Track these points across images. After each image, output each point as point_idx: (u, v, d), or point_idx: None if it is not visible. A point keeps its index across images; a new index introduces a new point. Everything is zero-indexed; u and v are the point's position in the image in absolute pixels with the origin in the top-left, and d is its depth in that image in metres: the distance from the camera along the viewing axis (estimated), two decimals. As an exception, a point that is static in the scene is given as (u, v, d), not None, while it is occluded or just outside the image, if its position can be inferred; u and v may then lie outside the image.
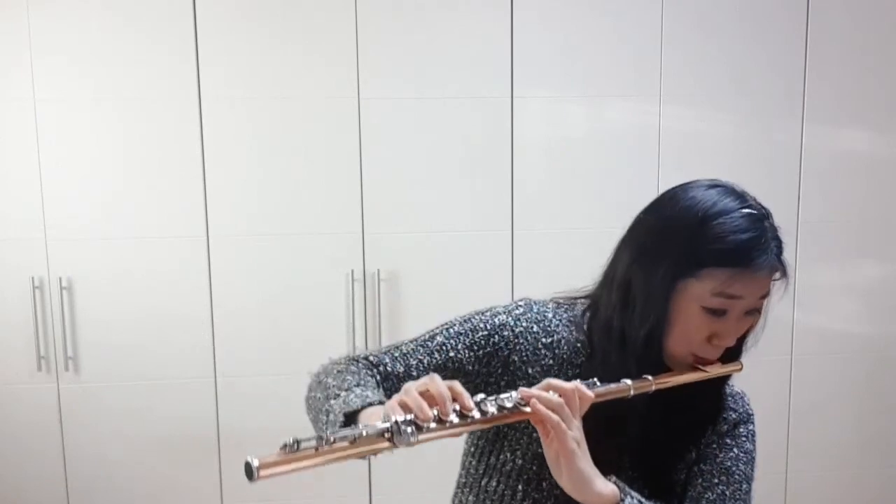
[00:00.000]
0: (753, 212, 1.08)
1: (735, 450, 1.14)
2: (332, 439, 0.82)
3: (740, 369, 1.14)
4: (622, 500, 0.96)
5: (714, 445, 1.14)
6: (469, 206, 2.57)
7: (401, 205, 2.55)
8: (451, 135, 2.54)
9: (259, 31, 2.47)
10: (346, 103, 2.50)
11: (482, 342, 1.13)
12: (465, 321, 1.16)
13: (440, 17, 2.50)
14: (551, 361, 1.14)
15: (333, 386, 1.07)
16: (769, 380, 2.75)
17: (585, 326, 1.15)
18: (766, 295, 1.07)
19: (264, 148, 2.51)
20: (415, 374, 1.09)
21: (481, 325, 1.15)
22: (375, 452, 0.86)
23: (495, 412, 0.93)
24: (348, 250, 2.55)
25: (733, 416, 1.17)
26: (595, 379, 1.02)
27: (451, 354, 1.12)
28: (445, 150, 2.55)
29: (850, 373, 2.78)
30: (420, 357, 1.11)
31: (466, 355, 1.13)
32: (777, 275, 1.08)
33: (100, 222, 2.48)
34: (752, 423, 1.19)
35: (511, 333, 1.14)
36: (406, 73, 2.51)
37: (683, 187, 1.13)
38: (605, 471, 1.00)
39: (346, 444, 0.83)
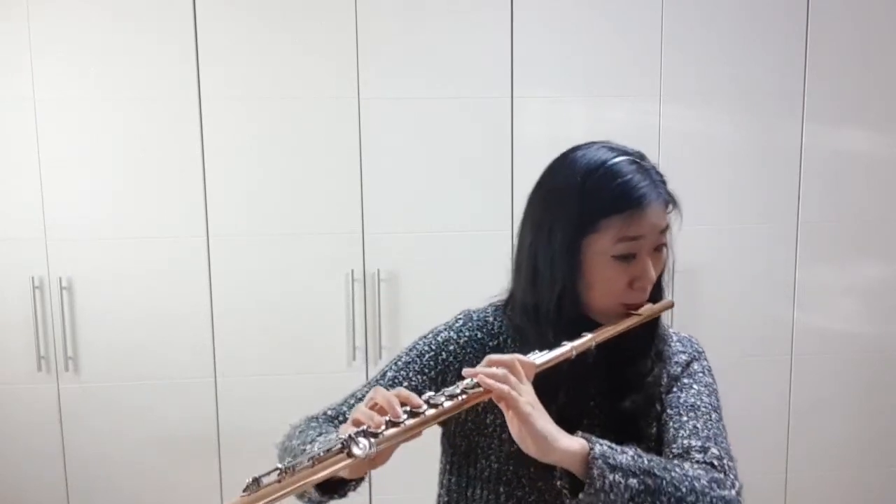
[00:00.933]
0: (627, 157, 1.11)
1: (695, 386, 1.15)
2: (292, 467, 0.84)
3: (672, 305, 1.17)
4: (591, 448, 0.95)
5: (674, 390, 1.15)
6: (469, 206, 2.57)
7: (401, 205, 2.55)
8: (451, 135, 2.54)
9: (259, 31, 2.47)
10: (346, 103, 2.50)
11: (431, 363, 1.16)
12: (410, 350, 1.20)
13: (440, 17, 2.50)
14: None
15: (298, 445, 1.09)
16: (769, 380, 2.75)
17: (507, 316, 1.19)
18: (665, 229, 1.10)
19: (264, 148, 2.51)
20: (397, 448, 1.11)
21: (426, 348, 1.18)
22: (341, 469, 0.88)
23: (445, 402, 0.95)
24: (348, 250, 2.55)
25: (683, 357, 1.19)
26: (536, 350, 1.04)
27: (405, 385, 1.14)
28: (445, 150, 2.55)
29: (850, 373, 2.78)
30: None
31: (420, 380, 1.15)
32: (670, 207, 1.11)
33: (100, 222, 2.48)
34: (705, 358, 1.21)
35: (457, 346, 1.17)
36: (406, 73, 2.51)
37: (559, 158, 1.15)
38: None
39: (306, 467, 0.85)
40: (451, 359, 1.17)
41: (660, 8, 2.55)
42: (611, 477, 0.94)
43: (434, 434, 1.18)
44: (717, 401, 1.15)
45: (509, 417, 0.97)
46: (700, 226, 2.65)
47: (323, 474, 0.86)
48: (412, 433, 0.93)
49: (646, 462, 0.97)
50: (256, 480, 0.83)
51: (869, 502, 2.86)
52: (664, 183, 1.12)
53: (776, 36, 2.60)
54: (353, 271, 2.56)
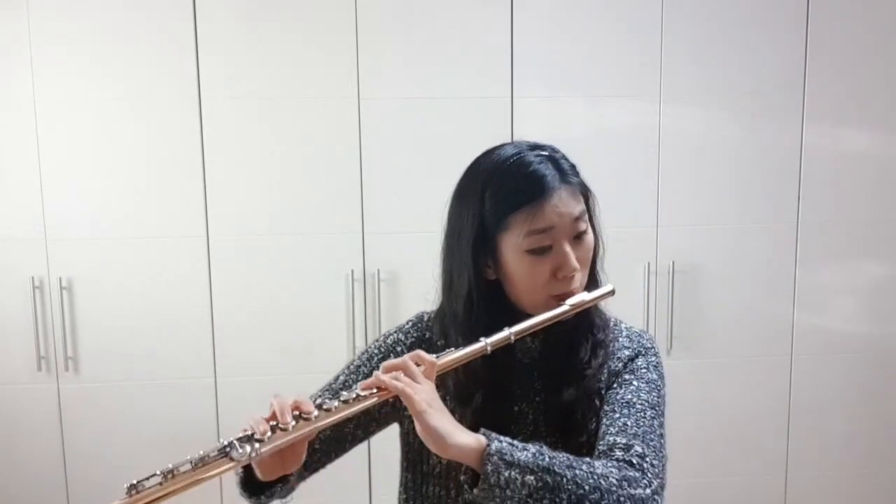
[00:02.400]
0: (531, 151, 1.10)
1: (635, 382, 1.13)
2: (173, 471, 0.87)
3: (612, 292, 1.14)
4: (488, 444, 0.94)
5: (614, 385, 1.14)
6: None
7: (401, 205, 2.55)
8: (451, 135, 2.54)
9: (259, 31, 2.47)
10: (347, 103, 2.50)
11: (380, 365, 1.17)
12: (362, 354, 1.22)
13: (440, 17, 2.51)
14: None
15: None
16: (769, 379, 2.75)
17: (435, 327, 1.20)
18: (581, 215, 1.09)
19: (264, 148, 2.51)
20: (306, 450, 1.12)
21: (376, 351, 1.21)
22: (223, 473, 0.91)
23: (338, 405, 0.96)
24: (348, 250, 2.55)
25: (627, 352, 1.17)
26: (451, 349, 1.05)
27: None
28: (445, 150, 2.55)
29: (850, 373, 2.78)
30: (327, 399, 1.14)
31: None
32: (585, 194, 1.11)
33: (100, 223, 2.49)
34: (652, 354, 1.18)
35: (404, 348, 1.20)
36: (406, 73, 2.51)
37: (471, 162, 1.17)
38: (525, 440, 1.01)
39: (188, 470, 0.88)
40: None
41: (660, 8, 2.55)
42: (506, 473, 0.93)
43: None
44: (658, 398, 1.13)
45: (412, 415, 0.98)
46: (700, 226, 2.65)
47: (205, 476, 0.89)
48: (301, 436, 0.95)
49: (546, 459, 0.96)
50: (134, 486, 0.86)
51: (869, 502, 2.87)
52: (574, 170, 1.11)
53: (776, 36, 2.60)
54: (353, 271, 2.56)
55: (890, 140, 2.68)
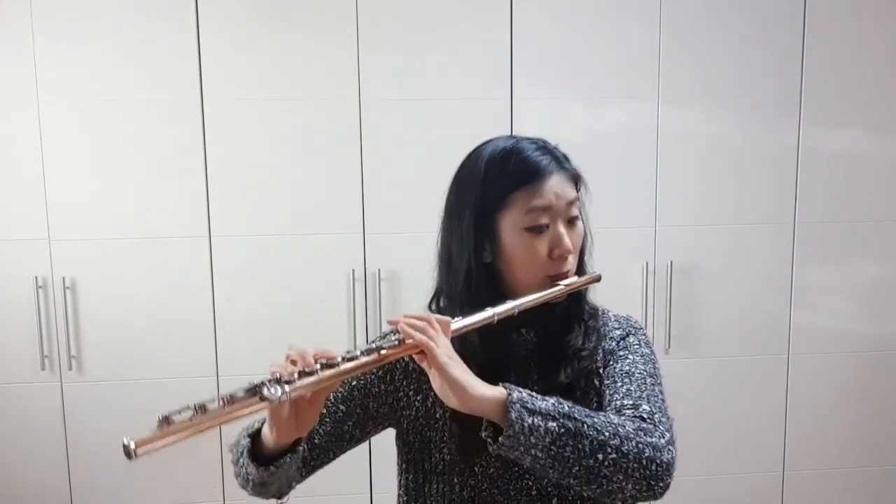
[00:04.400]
0: (528, 140, 1.17)
1: (630, 356, 1.17)
2: (203, 406, 0.88)
3: (599, 278, 1.19)
4: (510, 393, 0.96)
5: (611, 362, 1.17)
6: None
7: (401, 205, 2.57)
8: (451, 135, 2.56)
9: (260, 33, 2.48)
10: (348, 104, 2.52)
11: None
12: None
13: (440, 18, 2.52)
14: None
15: (241, 430, 1.15)
16: (766, 379, 2.77)
17: (431, 309, 1.22)
18: (574, 201, 1.15)
19: (266, 149, 2.53)
20: (324, 411, 1.14)
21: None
22: (253, 413, 0.91)
23: (362, 356, 0.97)
24: (349, 250, 2.57)
25: (618, 332, 1.21)
26: (459, 316, 1.07)
27: (353, 383, 1.19)
28: (446, 150, 2.55)
29: (847, 372, 2.80)
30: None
31: (367, 379, 1.19)
32: (578, 183, 1.17)
33: (103, 223, 2.50)
34: (641, 333, 1.23)
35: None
36: (407, 74, 2.53)
37: (468, 153, 1.22)
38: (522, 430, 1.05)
39: (218, 407, 0.88)
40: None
41: (658, 9, 2.57)
42: (529, 420, 0.95)
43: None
44: (655, 369, 1.17)
45: (431, 374, 0.99)
46: (697, 225, 2.67)
47: (235, 414, 0.89)
48: (327, 382, 0.96)
49: (566, 408, 0.98)
50: (167, 418, 0.86)
51: (865, 501, 2.88)
52: (567, 159, 1.17)
53: (773, 37, 2.62)
54: (353, 271, 2.57)
55: (886, 140, 2.70)
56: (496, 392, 0.97)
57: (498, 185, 1.12)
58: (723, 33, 2.60)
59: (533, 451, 0.96)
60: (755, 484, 2.82)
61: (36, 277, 2.49)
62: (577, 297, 1.18)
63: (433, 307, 1.22)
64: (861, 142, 2.69)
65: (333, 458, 1.19)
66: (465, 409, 0.97)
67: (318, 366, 0.95)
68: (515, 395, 0.97)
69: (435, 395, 1.01)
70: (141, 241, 2.51)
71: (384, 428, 1.23)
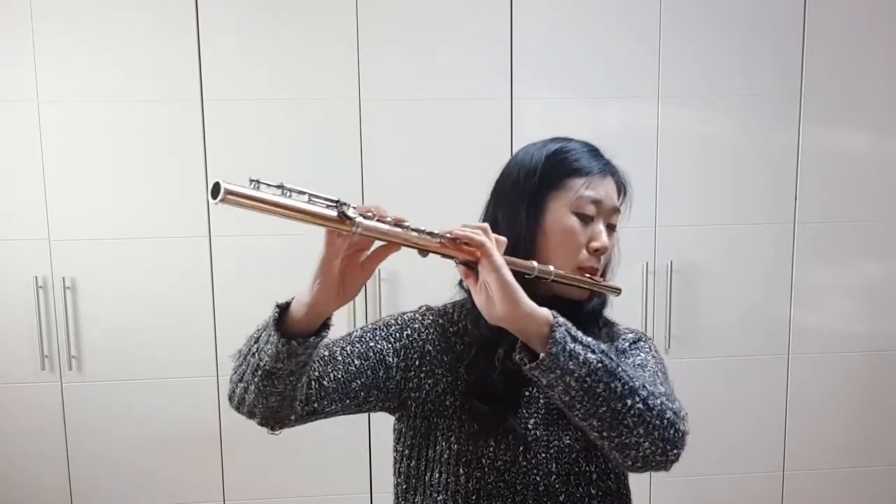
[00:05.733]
0: (587, 145, 1.22)
1: (642, 354, 1.19)
2: (290, 190, 0.91)
3: (619, 291, 1.21)
4: (556, 317, 0.97)
5: (622, 359, 1.16)
6: (469, 206, 2.58)
7: (401, 205, 2.54)
8: (451, 135, 2.56)
9: (260, 33, 2.49)
10: (347, 104, 2.52)
11: (397, 334, 1.19)
12: (377, 321, 1.24)
13: (440, 18, 2.52)
14: (462, 347, 1.19)
15: (254, 330, 1.08)
16: (766, 379, 2.77)
17: (463, 286, 1.22)
18: (618, 211, 1.19)
19: (266, 149, 2.53)
20: (339, 357, 1.12)
21: (393, 322, 1.22)
22: (328, 225, 0.94)
23: (424, 230, 0.98)
24: (349, 250, 2.57)
25: (630, 336, 1.23)
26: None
27: (371, 345, 1.17)
28: (445, 150, 2.57)
29: (847, 372, 2.80)
30: (342, 346, 1.15)
31: (385, 346, 1.17)
32: (622, 196, 1.21)
33: (103, 222, 2.50)
34: (653, 343, 1.26)
35: (420, 326, 1.21)
36: (407, 74, 2.53)
37: (523, 147, 1.25)
38: (537, 424, 1.09)
39: (303, 199, 0.91)
40: (415, 335, 1.20)
41: (658, 10, 2.57)
42: (572, 345, 0.95)
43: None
44: (665, 371, 1.18)
45: (478, 286, 0.99)
46: (697, 226, 2.67)
47: (314, 213, 0.92)
48: (394, 239, 0.97)
49: (605, 346, 0.99)
50: (258, 181, 0.86)
51: (865, 501, 2.88)
52: (619, 172, 1.22)
53: (773, 37, 2.62)
54: (353, 271, 2.57)
55: (886, 141, 2.70)
56: (544, 311, 0.97)
57: (558, 167, 1.16)
58: (723, 33, 2.60)
59: (567, 379, 0.95)
60: (755, 484, 2.83)
61: (36, 277, 2.49)
62: (597, 305, 1.21)
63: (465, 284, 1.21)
64: (861, 142, 2.69)
65: (333, 412, 1.13)
66: (511, 318, 0.96)
67: (391, 220, 0.96)
68: (561, 319, 0.97)
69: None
70: (141, 241, 2.51)
71: (385, 406, 1.20)
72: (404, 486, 1.21)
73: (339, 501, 2.62)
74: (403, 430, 1.21)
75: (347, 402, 1.14)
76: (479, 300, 0.99)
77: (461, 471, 1.15)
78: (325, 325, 1.02)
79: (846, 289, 2.76)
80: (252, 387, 1.03)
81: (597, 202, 1.15)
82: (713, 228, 2.69)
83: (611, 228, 1.18)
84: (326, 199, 0.94)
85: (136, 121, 2.47)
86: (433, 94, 2.54)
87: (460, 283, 1.23)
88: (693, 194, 2.66)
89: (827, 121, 2.66)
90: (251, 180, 0.86)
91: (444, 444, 1.16)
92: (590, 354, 0.96)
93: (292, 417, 1.07)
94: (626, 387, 0.97)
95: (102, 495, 2.61)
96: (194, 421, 2.58)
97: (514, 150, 2.56)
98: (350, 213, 0.93)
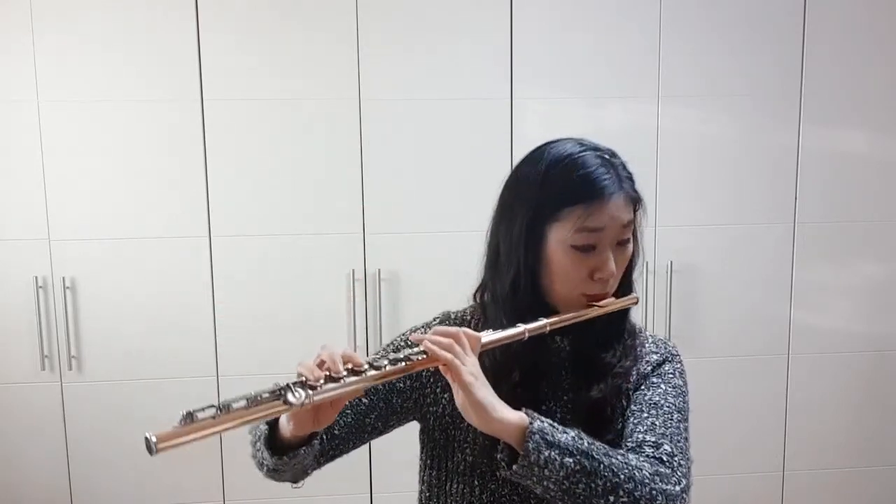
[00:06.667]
0: (595, 151, 1.13)
1: (662, 386, 1.15)
2: (228, 405, 0.86)
3: (636, 302, 1.18)
4: (531, 422, 0.95)
5: (642, 387, 1.15)
6: (469, 206, 2.58)
7: (401, 205, 2.57)
8: (451, 135, 2.56)
9: (260, 33, 2.48)
10: (347, 104, 2.52)
11: None
12: (387, 346, 1.23)
13: (440, 18, 2.52)
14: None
15: (253, 434, 1.15)
16: (766, 379, 2.77)
17: (476, 300, 1.22)
18: (628, 224, 1.11)
19: (266, 149, 2.53)
20: (346, 401, 1.12)
21: (402, 344, 1.20)
22: (275, 415, 0.91)
23: (388, 365, 0.97)
24: (349, 250, 2.57)
25: (655, 357, 1.19)
26: (490, 329, 1.06)
27: None
28: (445, 150, 2.57)
29: (847, 372, 2.80)
30: None
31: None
32: (636, 205, 1.13)
33: (103, 223, 2.50)
34: (678, 361, 1.21)
35: None
36: (406, 74, 2.53)
37: (532, 150, 1.18)
38: None
39: (242, 407, 0.87)
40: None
41: (658, 9, 2.57)
42: (546, 452, 0.94)
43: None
44: (684, 403, 1.15)
45: (455, 388, 0.99)
46: (697, 225, 2.67)
47: (257, 416, 0.89)
48: (351, 390, 0.95)
49: (585, 444, 0.97)
50: (191, 414, 0.84)
51: (865, 501, 2.88)
52: (631, 179, 1.14)
53: (773, 37, 2.62)
54: (353, 271, 2.58)
55: (886, 141, 2.70)
56: (517, 418, 0.96)
57: (554, 195, 1.09)
58: (723, 33, 2.60)
59: (545, 483, 0.95)
60: (755, 484, 2.83)
61: (36, 277, 2.49)
62: (619, 314, 1.16)
63: (478, 298, 1.21)
64: (861, 142, 2.69)
65: (353, 448, 1.19)
66: (485, 429, 0.97)
67: (345, 371, 0.94)
68: (536, 424, 0.96)
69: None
70: (141, 241, 2.51)
71: (408, 421, 1.22)
72: (427, 494, 1.24)
73: (339, 501, 2.62)
74: (426, 440, 1.24)
75: (366, 436, 1.18)
76: (457, 401, 0.99)
77: (476, 482, 1.16)
78: (313, 436, 1.06)
79: (846, 289, 2.76)
80: (264, 471, 1.13)
81: (598, 230, 1.08)
82: (713, 228, 2.68)
83: (622, 243, 1.12)
84: (269, 391, 0.90)
85: (136, 121, 2.47)
86: (433, 94, 2.54)
87: (474, 295, 1.23)
88: (693, 194, 2.66)
89: (827, 121, 2.66)
90: (184, 416, 0.84)
91: (460, 455, 1.17)
92: (567, 458, 0.95)
93: (310, 471, 1.14)
94: (609, 483, 0.96)
95: (102, 495, 2.61)
96: (194, 421, 2.58)
97: (514, 150, 2.59)
98: (292, 398, 0.90)
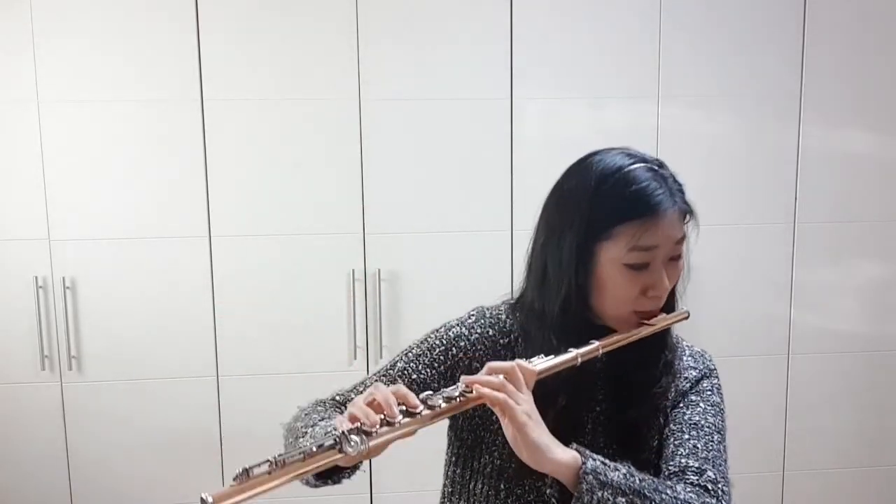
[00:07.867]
0: (645, 164, 1.09)
1: (701, 404, 1.14)
2: (283, 460, 0.84)
3: (687, 317, 1.16)
4: (584, 462, 0.95)
5: (681, 405, 1.14)
6: (469, 206, 2.59)
7: (401, 205, 2.57)
8: (451, 135, 2.56)
9: (260, 33, 2.48)
10: (347, 104, 2.52)
11: (441, 358, 1.17)
12: (422, 342, 1.20)
13: (440, 18, 2.52)
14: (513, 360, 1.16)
15: (301, 427, 1.09)
16: (767, 379, 2.77)
17: (517, 315, 1.19)
18: (682, 240, 1.10)
19: (266, 149, 2.53)
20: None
21: (437, 342, 1.18)
22: (330, 465, 0.89)
23: (442, 403, 0.95)
24: (349, 250, 2.57)
25: (694, 373, 1.18)
26: (541, 355, 1.04)
27: (414, 377, 1.15)
28: (445, 150, 2.57)
29: (847, 372, 2.80)
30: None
31: (429, 374, 1.16)
32: (687, 217, 1.12)
33: (103, 222, 2.50)
34: (716, 377, 1.20)
35: (467, 343, 1.17)
36: (406, 73, 2.53)
37: (576, 162, 1.14)
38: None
39: (297, 460, 0.85)
40: (461, 355, 1.16)
41: (658, 9, 2.57)
42: (599, 493, 0.94)
43: (435, 431, 1.20)
44: (723, 422, 1.14)
45: (504, 423, 0.97)
46: (698, 225, 2.66)
47: (312, 468, 0.87)
48: (406, 433, 0.93)
49: (637, 482, 0.97)
50: (247, 471, 0.82)
51: (865, 501, 2.88)
52: (682, 192, 1.12)
53: (773, 38, 2.62)
54: (353, 271, 2.57)
55: (887, 141, 2.70)
56: (570, 458, 0.96)
57: (606, 212, 1.06)
58: (723, 33, 2.60)
59: None
60: (755, 484, 2.83)
61: (36, 277, 2.49)
62: (661, 333, 1.15)
63: (517, 314, 1.18)
64: (862, 142, 2.69)
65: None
66: (537, 468, 0.97)
67: (400, 415, 0.93)
68: (590, 464, 0.95)
69: None
70: (141, 241, 2.51)
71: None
72: (450, 490, 1.23)
73: (339, 501, 2.62)
74: (453, 437, 1.23)
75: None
76: (508, 435, 0.98)
77: (501, 486, 1.16)
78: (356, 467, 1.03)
79: (847, 289, 2.76)
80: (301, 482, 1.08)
81: (652, 248, 1.06)
82: (713, 228, 2.68)
83: (674, 259, 1.10)
84: (324, 442, 0.88)
85: (136, 121, 2.47)
86: (433, 94, 2.54)
87: (512, 306, 1.21)
88: (693, 194, 2.64)
89: (827, 121, 2.66)
90: (239, 473, 0.82)
91: (487, 457, 1.16)
92: (619, 498, 0.95)
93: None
94: None
95: (102, 495, 2.61)
96: (194, 421, 2.58)
97: (514, 150, 2.59)
98: (349, 448, 0.88)
